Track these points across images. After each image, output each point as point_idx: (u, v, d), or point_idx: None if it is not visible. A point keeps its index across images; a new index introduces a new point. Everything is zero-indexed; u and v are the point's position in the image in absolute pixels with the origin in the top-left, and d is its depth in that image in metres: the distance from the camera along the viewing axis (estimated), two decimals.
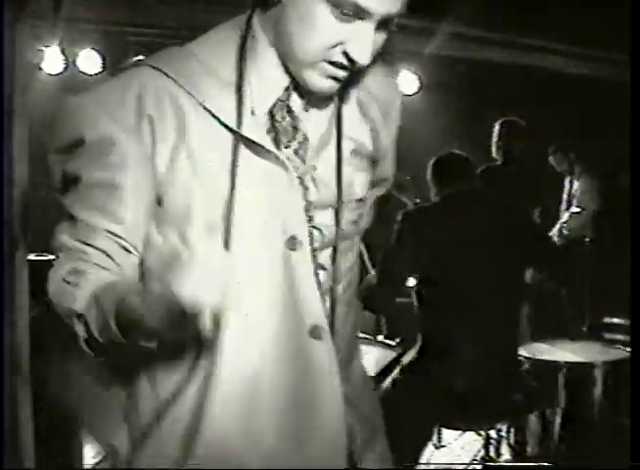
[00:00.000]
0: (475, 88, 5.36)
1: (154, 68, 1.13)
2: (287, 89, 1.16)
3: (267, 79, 1.15)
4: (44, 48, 4.63)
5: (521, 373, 2.75)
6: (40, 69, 4.71)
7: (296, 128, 1.19)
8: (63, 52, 4.80)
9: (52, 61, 4.78)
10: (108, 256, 1.13)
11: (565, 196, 5.20)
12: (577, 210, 4.94)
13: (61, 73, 4.85)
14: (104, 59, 4.91)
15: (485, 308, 2.54)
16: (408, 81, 5.64)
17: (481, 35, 4.46)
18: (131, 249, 1.15)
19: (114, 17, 4.25)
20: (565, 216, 4.98)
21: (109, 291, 1.08)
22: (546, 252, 2.85)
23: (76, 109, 1.14)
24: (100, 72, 4.88)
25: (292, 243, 1.14)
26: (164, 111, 1.11)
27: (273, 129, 1.17)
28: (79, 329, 1.10)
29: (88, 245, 1.12)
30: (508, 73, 5.03)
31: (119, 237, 1.13)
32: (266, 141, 1.14)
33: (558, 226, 5.01)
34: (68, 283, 1.11)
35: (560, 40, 4.44)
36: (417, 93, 5.71)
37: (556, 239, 4.92)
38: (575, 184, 5.10)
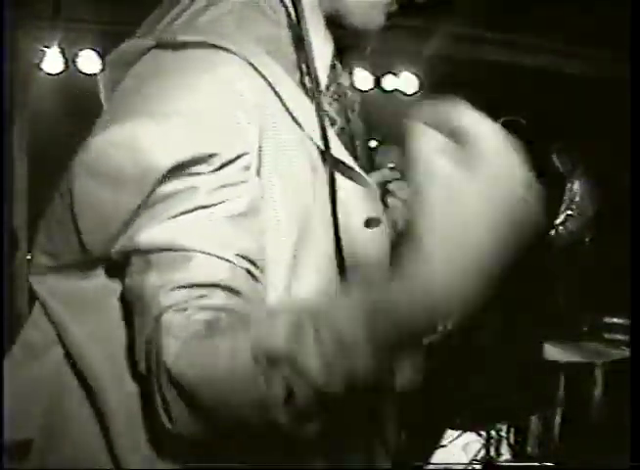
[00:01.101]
0: (475, 88, 5.36)
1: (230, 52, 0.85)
2: (334, 53, 0.98)
3: (320, 45, 0.94)
4: (44, 48, 4.63)
5: (523, 373, 2.74)
6: (40, 69, 4.72)
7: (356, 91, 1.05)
8: (63, 52, 4.81)
9: (52, 61, 4.77)
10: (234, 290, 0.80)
11: (565, 197, 5.21)
12: (571, 212, 4.94)
13: (61, 73, 4.85)
14: (104, 59, 4.90)
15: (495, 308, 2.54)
16: (408, 81, 5.64)
17: (482, 35, 4.46)
18: (257, 273, 0.83)
19: (113, 17, 4.25)
20: (560, 218, 4.99)
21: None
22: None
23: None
24: (100, 72, 4.89)
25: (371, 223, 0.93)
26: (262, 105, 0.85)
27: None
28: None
29: (208, 286, 0.78)
30: (508, 73, 5.04)
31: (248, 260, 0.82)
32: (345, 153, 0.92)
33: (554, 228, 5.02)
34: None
35: (560, 40, 4.44)
36: (417, 93, 5.71)
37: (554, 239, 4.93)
38: (576, 184, 5.10)
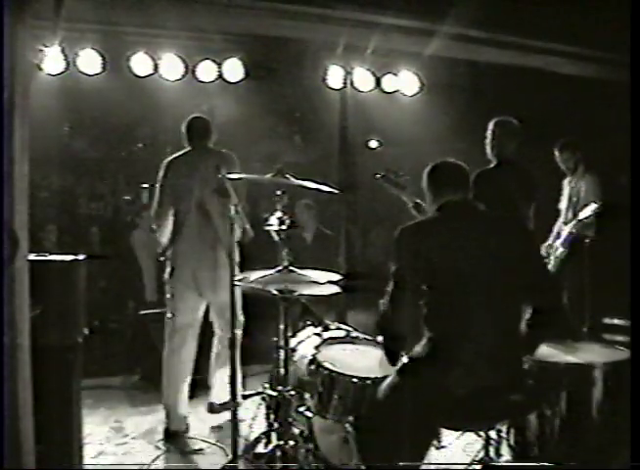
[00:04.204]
0: (475, 88, 5.36)
1: None
2: None
3: None
4: (44, 48, 4.63)
5: (521, 374, 2.74)
6: (40, 69, 4.71)
7: None
8: (63, 52, 4.80)
9: (52, 61, 4.77)
10: None
11: (568, 195, 5.21)
12: (596, 208, 4.92)
13: (61, 73, 4.85)
14: (104, 59, 4.91)
15: (487, 311, 2.55)
16: (408, 82, 5.64)
17: (481, 35, 4.46)
18: None
19: (114, 17, 4.25)
20: (585, 212, 4.96)
21: None
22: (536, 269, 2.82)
23: None
24: (100, 73, 4.88)
25: None
26: None
27: None
28: None
29: None
30: (508, 74, 5.03)
31: None
32: None
33: (574, 222, 5.03)
34: None
35: (559, 40, 4.44)
36: (417, 93, 5.71)
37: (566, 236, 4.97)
38: (582, 182, 5.12)
